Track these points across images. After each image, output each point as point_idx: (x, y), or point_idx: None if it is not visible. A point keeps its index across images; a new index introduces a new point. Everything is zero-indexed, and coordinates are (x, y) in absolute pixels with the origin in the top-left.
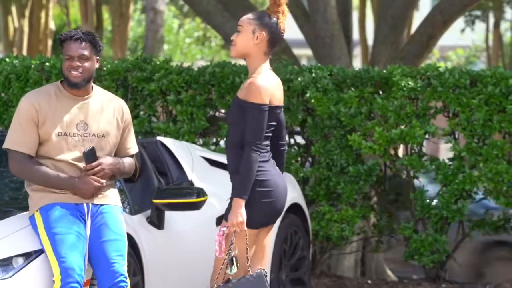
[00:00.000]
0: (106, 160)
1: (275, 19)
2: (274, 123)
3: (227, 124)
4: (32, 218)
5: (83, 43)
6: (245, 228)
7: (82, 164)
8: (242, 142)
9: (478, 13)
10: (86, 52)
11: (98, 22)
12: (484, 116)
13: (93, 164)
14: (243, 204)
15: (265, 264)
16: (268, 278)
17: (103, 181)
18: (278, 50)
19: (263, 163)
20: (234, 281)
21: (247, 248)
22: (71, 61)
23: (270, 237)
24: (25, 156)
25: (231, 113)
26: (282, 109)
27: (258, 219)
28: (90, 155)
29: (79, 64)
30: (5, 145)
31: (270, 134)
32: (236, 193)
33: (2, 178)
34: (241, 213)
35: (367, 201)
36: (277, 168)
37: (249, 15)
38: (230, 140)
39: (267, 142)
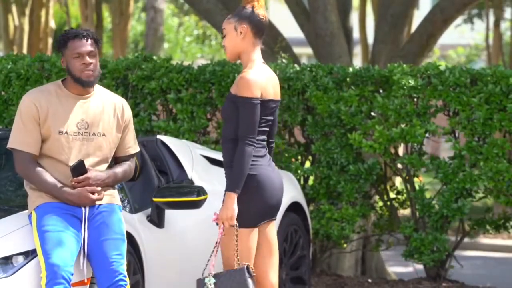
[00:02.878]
0: (95, 175)
1: (250, 9)
2: (271, 118)
3: (222, 119)
4: (30, 217)
5: (89, 40)
6: (235, 223)
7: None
8: (235, 137)
9: (477, 11)
10: (93, 48)
11: (98, 20)
12: (484, 114)
13: (80, 178)
14: (235, 198)
15: (275, 262)
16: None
17: (98, 196)
18: (280, 49)
19: (258, 158)
20: (219, 274)
21: (236, 244)
22: (82, 59)
23: (274, 231)
24: (29, 156)
25: (224, 108)
26: (278, 105)
27: (254, 216)
28: (78, 169)
29: (90, 61)
30: (10, 145)
31: (267, 129)
32: (228, 187)
33: (3, 176)
34: (232, 208)
35: (367, 199)
36: (273, 163)
37: (228, 16)
38: (224, 135)
39: (264, 137)
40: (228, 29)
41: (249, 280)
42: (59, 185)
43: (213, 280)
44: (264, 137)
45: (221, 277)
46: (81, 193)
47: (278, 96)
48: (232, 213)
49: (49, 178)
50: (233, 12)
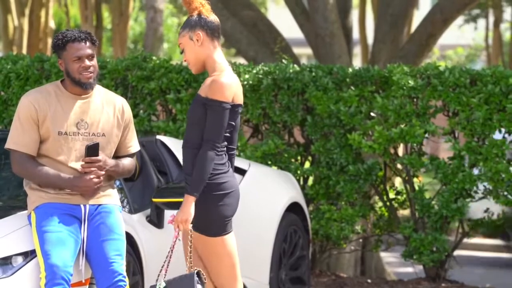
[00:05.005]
0: (105, 159)
1: (197, 16)
2: (233, 123)
3: (186, 123)
4: (29, 217)
5: (87, 43)
6: (190, 227)
7: (80, 166)
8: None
9: (478, 11)
10: (92, 51)
11: (97, 21)
12: (484, 115)
13: (93, 158)
14: (193, 202)
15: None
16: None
17: (101, 178)
18: (279, 49)
19: (221, 165)
20: (166, 280)
21: (190, 248)
22: (81, 62)
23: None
24: (26, 156)
25: (192, 112)
26: (241, 110)
27: (227, 222)
28: (93, 150)
29: (90, 64)
30: (7, 145)
31: (229, 135)
32: (188, 190)
33: (2, 176)
34: (189, 212)
35: (367, 200)
36: (231, 169)
37: (179, 31)
38: (189, 140)
39: (225, 143)
40: (184, 42)
41: (198, 286)
42: (62, 174)
43: (163, 285)
44: (225, 143)
45: (172, 282)
46: (86, 179)
47: (242, 101)
48: (188, 217)
49: (50, 170)
50: (183, 26)
